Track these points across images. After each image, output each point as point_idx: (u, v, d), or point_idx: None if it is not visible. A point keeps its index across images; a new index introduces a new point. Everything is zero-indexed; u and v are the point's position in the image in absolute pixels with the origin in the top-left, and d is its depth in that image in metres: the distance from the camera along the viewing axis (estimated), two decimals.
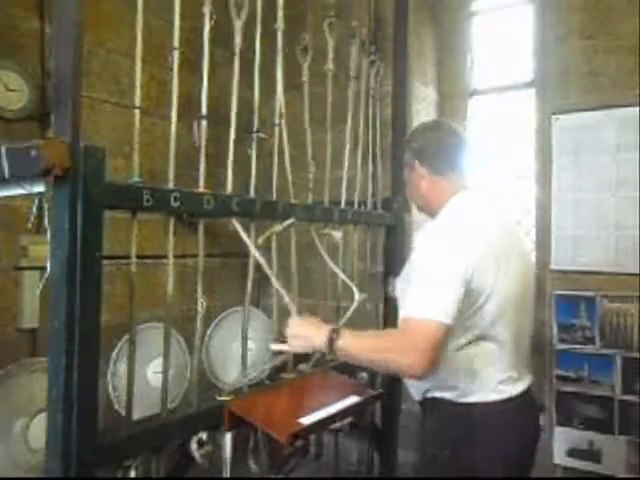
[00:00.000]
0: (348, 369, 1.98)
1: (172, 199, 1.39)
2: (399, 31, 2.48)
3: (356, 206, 2.20)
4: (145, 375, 1.66)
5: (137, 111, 1.41)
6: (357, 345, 1.33)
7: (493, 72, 3.20)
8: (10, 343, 2.18)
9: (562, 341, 2.66)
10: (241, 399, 1.59)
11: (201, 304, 1.54)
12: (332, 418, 1.54)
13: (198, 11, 1.55)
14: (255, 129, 1.73)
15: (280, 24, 1.80)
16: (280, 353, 1.76)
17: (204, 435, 1.50)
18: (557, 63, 2.74)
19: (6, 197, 1.48)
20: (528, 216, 2.99)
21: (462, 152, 1.58)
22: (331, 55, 2.06)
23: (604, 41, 2.62)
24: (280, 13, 1.80)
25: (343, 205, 2.13)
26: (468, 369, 1.41)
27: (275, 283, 1.70)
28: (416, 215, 2.57)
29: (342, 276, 2.03)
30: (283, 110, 1.84)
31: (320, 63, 2.04)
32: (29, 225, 1.78)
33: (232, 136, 1.63)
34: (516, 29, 3.10)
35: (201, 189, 1.53)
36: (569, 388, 2.64)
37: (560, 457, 2.66)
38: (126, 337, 1.46)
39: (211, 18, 1.55)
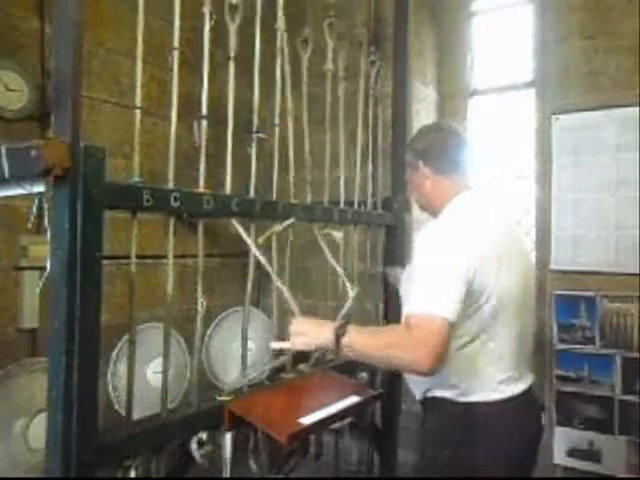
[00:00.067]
0: (348, 369, 1.98)
1: (172, 199, 1.39)
2: (399, 31, 2.48)
3: (356, 206, 2.20)
4: (145, 375, 1.66)
5: (138, 111, 1.41)
6: (363, 341, 1.33)
7: (493, 72, 3.20)
8: (10, 343, 2.18)
9: (562, 341, 2.66)
10: (241, 399, 1.59)
11: (201, 304, 1.54)
12: (332, 418, 1.54)
13: (198, 11, 1.55)
14: (255, 129, 1.73)
15: (280, 24, 1.80)
16: (281, 353, 1.76)
17: (204, 435, 1.50)
18: (557, 63, 2.74)
19: (6, 197, 1.48)
20: (528, 216, 2.99)
21: (464, 152, 1.59)
22: (331, 55, 2.06)
23: (604, 41, 2.62)
24: (280, 13, 1.80)
25: (343, 205, 2.13)
26: (469, 368, 1.41)
27: (277, 282, 1.70)
28: (416, 215, 2.57)
29: (338, 269, 2.02)
30: (290, 107, 1.85)
31: (320, 63, 2.04)
32: (29, 225, 1.78)
33: (230, 137, 1.63)
34: (516, 29, 3.10)
35: (201, 189, 1.53)
36: (569, 388, 2.64)
37: (560, 457, 2.66)
38: (126, 337, 1.46)
39: (211, 18, 1.55)
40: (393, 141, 2.46)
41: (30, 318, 2.21)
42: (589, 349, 2.60)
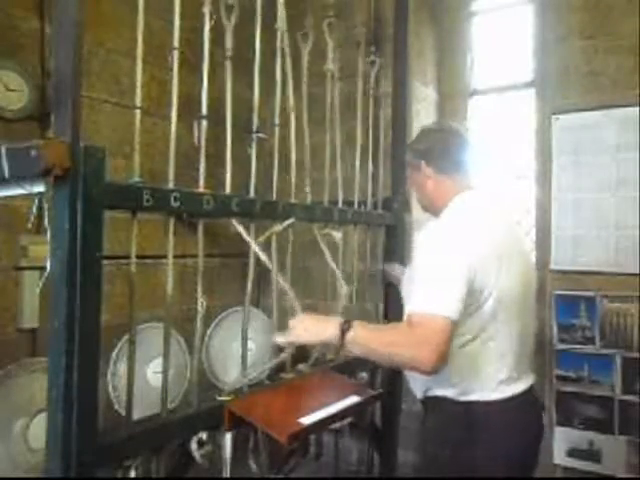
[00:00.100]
0: (348, 369, 1.98)
1: (172, 199, 1.39)
2: (399, 31, 2.48)
3: (356, 206, 2.20)
4: (145, 375, 1.66)
5: (138, 111, 1.41)
6: (368, 337, 1.34)
7: (493, 72, 3.20)
8: (10, 343, 2.18)
9: (562, 341, 2.66)
10: (241, 399, 1.59)
11: (201, 304, 1.54)
12: (332, 418, 1.54)
13: (198, 11, 1.55)
14: (255, 129, 1.73)
15: (280, 24, 1.80)
16: (282, 350, 1.75)
17: (204, 435, 1.50)
18: (557, 63, 2.74)
19: (6, 197, 1.48)
20: (528, 216, 2.99)
21: (466, 153, 1.60)
22: (331, 55, 2.06)
23: (604, 41, 2.62)
24: (280, 13, 1.80)
25: (342, 205, 2.13)
26: (470, 367, 1.41)
27: (279, 279, 1.69)
28: (416, 215, 2.57)
29: (333, 266, 2.01)
30: (291, 105, 1.85)
31: (320, 63, 2.04)
32: (29, 225, 1.78)
33: (229, 137, 1.63)
34: (516, 29, 3.10)
35: (201, 189, 1.53)
36: (569, 388, 2.64)
37: (560, 457, 2.66)
38: (126, 337, 1.46)
39: (211, 18, 1.55)
40: (393, 141, 2.46)
41: (30, 318, 2.21)
42: (589, 349, 2.60)
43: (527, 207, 3.00)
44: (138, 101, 1.42)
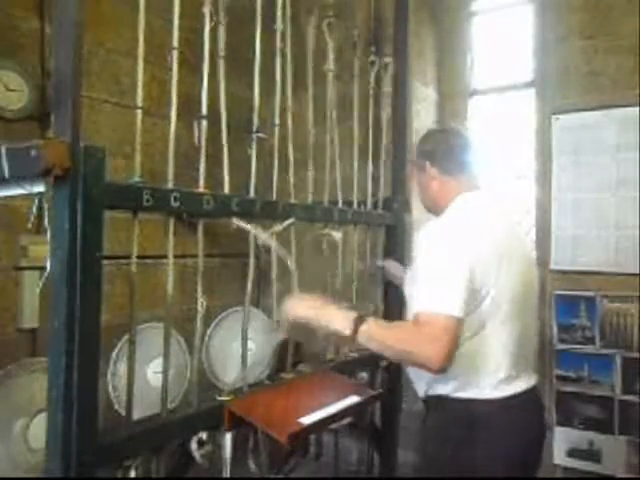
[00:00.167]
0: (348, 369, 1.98)
1: (172, 199, 1.39)
2: (399, 31, 2.48)
3: (356, 206, 2.20)
4: (145, 375, 1.65)
5: (139, 111, 1.41)
6: (381, 333, 1.33)
7: (493, 72, 3.20)
8: (10, 343, 2.18)
9: (562, 341, 2.66)
10: (241, 399, 1.59)
11: (201, 304, 1.54)
12: (332, 418, 1.54)
13: (198, 11, 1.55)
14: (255, 129, 1.73)
15: (280, 24, 1.80)
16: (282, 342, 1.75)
17: (204, 435, 1.50)
18: (557, 63, 2.74)
19: (6, 197, 1.48)
20: (528, 216, 2.99)
21: (471, 154, 1.62)
22: (331, 55, 2.06)
23: (604, 41, 2.62)
24: (280, 13, 1.80)
25: (342, 205, 2.13)
26: (470, 364, 1.41)
27: (289, 262, 1.71)
28: (416, 215, 2.57)
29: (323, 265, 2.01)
30: (290, 104, 1.85)
31: (320, 63, 2.04)
32: (29, 225, 1.77)
33: (224, 136, 1.63)
34: (516, 29, 3.10)
35: (201, 189, 1.53)
36: (569, 388, 2.64)
37: (560, 457, 2.66)
38: (126, 337, 1.46)
39: (211, 18, 1.55)
40: (393, 141, 2.46)
41: (30, 318, 2.21)
42: (589, 349, 2.60)
43: (527, 207, 3.00)
44: (139, 101, 1.41)
